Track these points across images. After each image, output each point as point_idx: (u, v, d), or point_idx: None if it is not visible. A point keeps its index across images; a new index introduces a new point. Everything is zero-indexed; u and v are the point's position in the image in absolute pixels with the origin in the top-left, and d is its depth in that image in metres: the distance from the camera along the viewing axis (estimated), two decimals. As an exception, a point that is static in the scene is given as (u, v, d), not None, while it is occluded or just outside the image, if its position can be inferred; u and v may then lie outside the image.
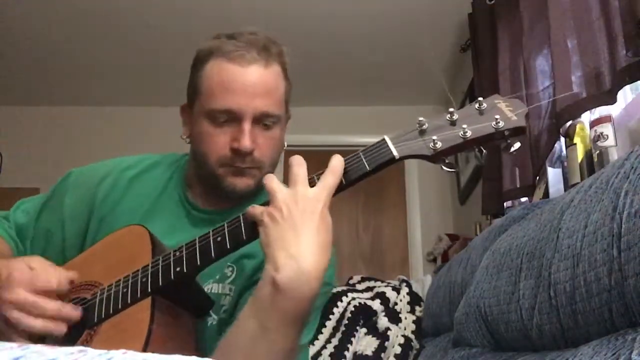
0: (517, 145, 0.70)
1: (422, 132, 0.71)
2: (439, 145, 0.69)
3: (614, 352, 0.48)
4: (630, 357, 0.45)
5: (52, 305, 0.73)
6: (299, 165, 0.71)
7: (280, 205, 0.68)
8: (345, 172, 0.71)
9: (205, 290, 0.87)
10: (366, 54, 2.99)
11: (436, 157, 0.70)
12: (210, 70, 0.87)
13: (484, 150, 0.71)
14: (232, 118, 0.85)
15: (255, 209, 0.71)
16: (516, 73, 1.91)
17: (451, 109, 0.71)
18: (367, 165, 0.71)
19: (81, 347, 0.40)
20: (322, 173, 0.71)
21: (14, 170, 3.46)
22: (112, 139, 3.51)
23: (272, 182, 0.71)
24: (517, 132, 0.69)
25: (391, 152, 0.70)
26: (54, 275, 0.76)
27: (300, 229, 0.67)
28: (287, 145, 0.97)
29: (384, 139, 0.72)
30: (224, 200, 0.93)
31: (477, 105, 0.71)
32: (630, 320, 0.51)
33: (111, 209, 0.95)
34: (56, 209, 0.98)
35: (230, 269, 0.91)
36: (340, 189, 0.71)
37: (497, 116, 0.68)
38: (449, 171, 0.73)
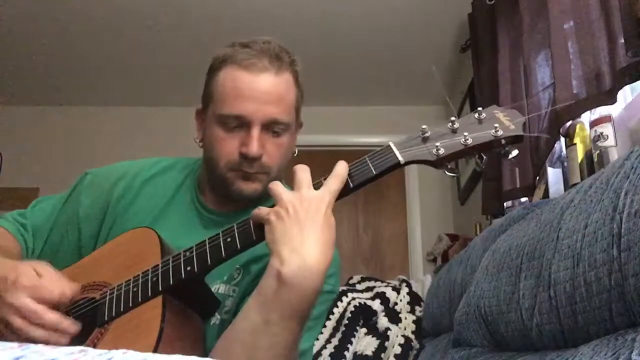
0: (514, 152, 0.73)
1: (425, 139, 0.75)
2: (441, 151, 0.72)
3: (614, 352, 0.48)
4: (630, 357, 0.45)
5: (51, 317, 0.73)
6: (302, 171, 0.74)
7: (285, 205, 0.71)
8: (352, 176, 0.74)
9: (213, 290, 0.88)
10: (366, 54, 2.99)
11: (439, 162, 0.73)
12: (223, 77, 0.89)
13: (484, 157, 0.74)
14: (242, 124, 0.87)
15: (261, 210, 0.73)
16: (516, 73, 1.91)
17: (452, 118, 0.74)
18: (373, 170, 0.74)
19: (81, 347, 0.40)
20: (327, 177, 0.74)
21: (13, 170, 3.46)
22: (112, 139, 3.51)
23: (277, 186, 0.74)
24: (514, 140, 0.72)
25: (396, 157, 0.73)
26: (58, 286, 0.76)
27: (304, 226, 0.69)
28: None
29: (389, 145, 0.75)
30: (233, 203, 0.95)
31: (476, 115, 0.74)
32: (630, 320, 0.51)
33: (124, 210, 0.97)
34: (73, 209, 0.99)
35: (238, 271, 0.92)
36: (346, 192, 0.74)
37: (496, 125, 0.72)
38: (450, 175, 0.76)
